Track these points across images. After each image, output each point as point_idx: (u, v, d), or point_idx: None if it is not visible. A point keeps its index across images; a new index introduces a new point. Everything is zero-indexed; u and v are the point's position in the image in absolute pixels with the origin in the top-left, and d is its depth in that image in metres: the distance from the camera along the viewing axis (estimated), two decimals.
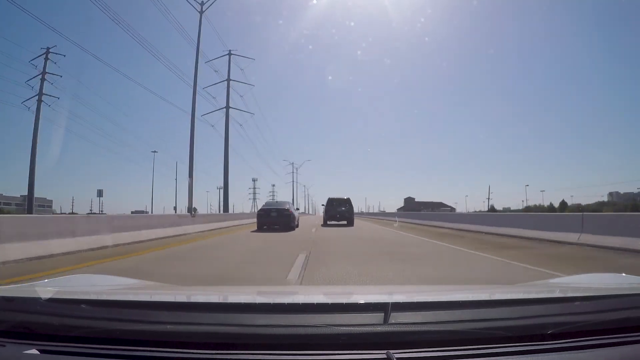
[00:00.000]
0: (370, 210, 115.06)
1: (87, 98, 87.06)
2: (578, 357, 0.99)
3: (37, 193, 32.97)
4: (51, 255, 7.46)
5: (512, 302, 1.31)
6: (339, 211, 17.45)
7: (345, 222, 17.29)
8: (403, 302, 1.14)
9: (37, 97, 32.21)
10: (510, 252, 8.30)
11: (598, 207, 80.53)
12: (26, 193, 32.86)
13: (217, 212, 49.30)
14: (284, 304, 1.18)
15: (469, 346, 1.00)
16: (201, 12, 23.86)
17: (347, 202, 17.73)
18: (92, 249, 8.61)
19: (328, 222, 17.74)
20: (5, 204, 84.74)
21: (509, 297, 1.44)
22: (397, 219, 27.14)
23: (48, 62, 32.75)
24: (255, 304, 1.20)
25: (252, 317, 1.08)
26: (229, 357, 0.96)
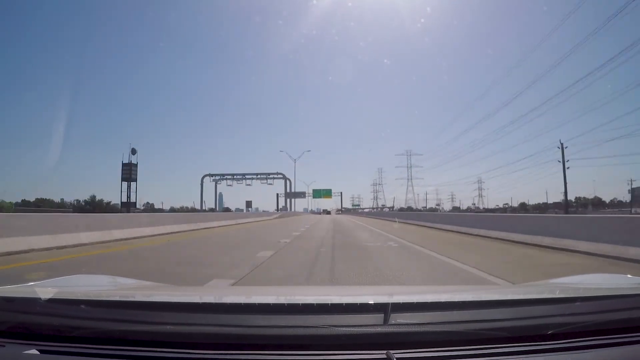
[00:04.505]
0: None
1: None
2: (579, 358, 0.99)
3: None
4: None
5: (512, 302, 1.31)
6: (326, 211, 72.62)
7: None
8: (403, 303, 1.14)
9: None
10: None
11: None
12: None
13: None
14: (284, 304, 1.18)
15: (469, 346, 1.00)
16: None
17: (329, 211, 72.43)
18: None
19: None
20: None
21: (509, 298, 1.44)
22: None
23: None
24: (255, 304, 1.20)
25: (253, 318, 1.08)
26: (229, 358, 0.96)
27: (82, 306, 1.16)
